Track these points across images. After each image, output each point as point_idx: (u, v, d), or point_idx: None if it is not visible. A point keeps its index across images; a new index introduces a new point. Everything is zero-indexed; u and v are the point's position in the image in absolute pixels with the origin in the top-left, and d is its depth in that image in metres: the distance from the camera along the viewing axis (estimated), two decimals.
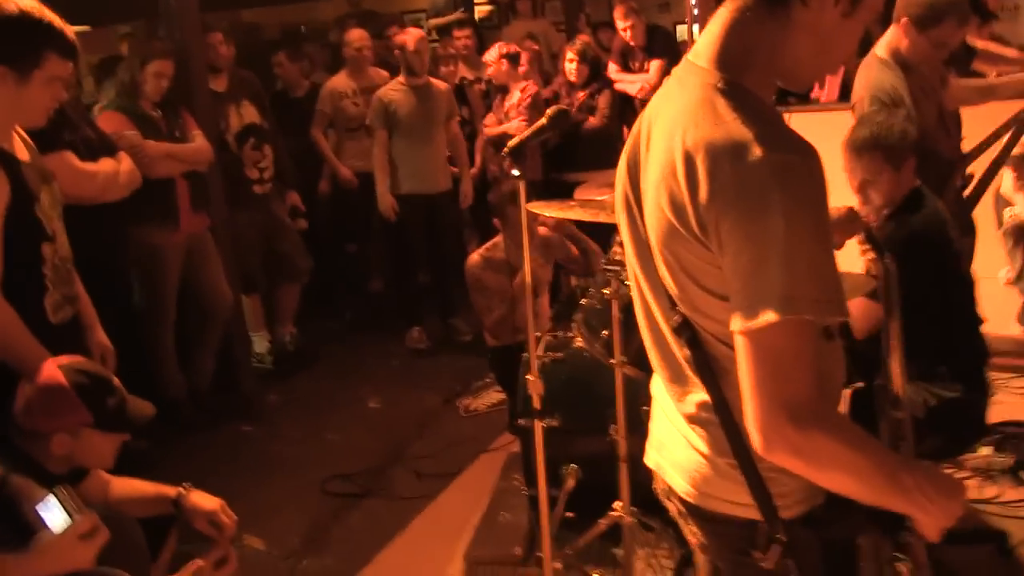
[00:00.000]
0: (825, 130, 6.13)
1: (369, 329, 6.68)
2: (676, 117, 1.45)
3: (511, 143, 2.44)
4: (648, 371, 3.17)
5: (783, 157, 1.34)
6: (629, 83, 6.62)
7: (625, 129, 6.73)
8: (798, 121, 5.41)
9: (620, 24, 6.66)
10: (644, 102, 6.46)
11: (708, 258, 1.41)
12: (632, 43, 6.73)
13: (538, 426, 2.70)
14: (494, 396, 5.28)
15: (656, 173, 1.47)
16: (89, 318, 3.06)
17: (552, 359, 3.54)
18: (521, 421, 3.40)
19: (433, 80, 6.13)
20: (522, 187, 2.45)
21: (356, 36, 6.58)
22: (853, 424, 1.42)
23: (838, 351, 1.59)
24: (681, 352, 1.56)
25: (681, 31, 8.48)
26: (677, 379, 1.60)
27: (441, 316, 6.36)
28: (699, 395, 1.55)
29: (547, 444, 3.37)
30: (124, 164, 4.20)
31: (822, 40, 1.46)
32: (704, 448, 1.56)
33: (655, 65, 6.66)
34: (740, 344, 1.36)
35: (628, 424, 3.01)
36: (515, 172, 2.42)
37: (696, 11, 6.71)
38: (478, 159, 6.66)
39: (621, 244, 3.13)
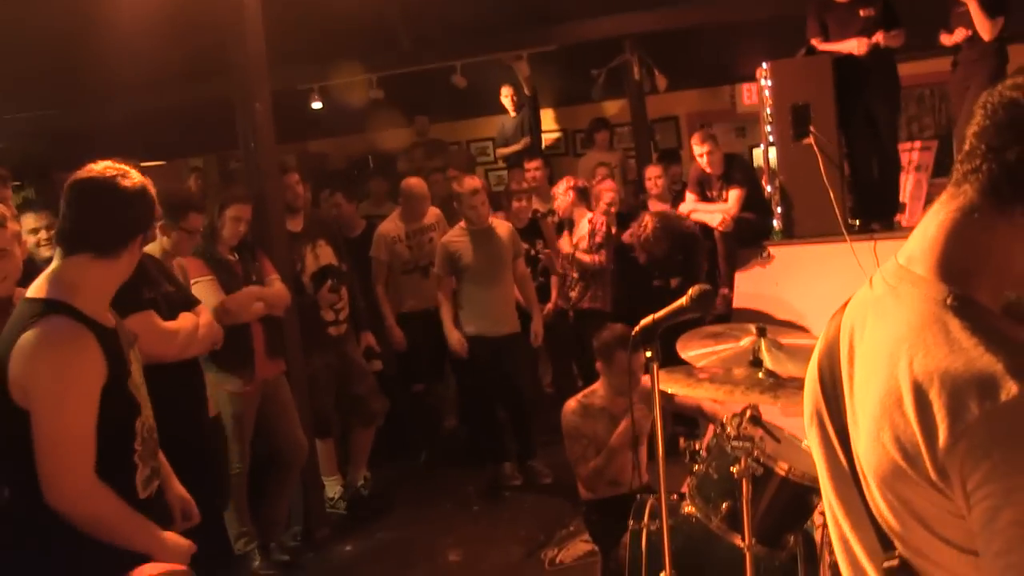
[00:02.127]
0: None
1: (444, 470, 6.47)
2: (898, 337, 1.26)
3: (644, 322, 2.25)
4: (772, 546, 2.97)
5: None
6: (707, 213, 6.47)
7: (720, 262, 6.60)
8: (883, 248, 5.25)
9: (697, 150, 6.55)
10: (724, 234, 6.37)
11: (947, 506, 1.20)
12: (709, 171, 6.60)
13: None
14: (581, 547, 5.00)
15: (874, 402, 1.27)
16: (165, 470, 2.89)
17: (658, 527, 3.29)
18: None
19: (496, 221, 6.06)
20: (655, 368, 2.24)
21: (415, 185, 6.50)
22: None
23: None
24: None
25: (757, 155, 8.42)
26: None
27: (519, 458, 6.13)
28: None
29: None
30: (203, 318, 4.09)
31: None
32: None
33: (734, 195, 6.53)
34: None
35: None
36: (648, 354, 2.21)
37: (771, 136, 6.62)
38: (554, 293, 6.53)
39: (751, 419, 2.94)
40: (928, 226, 1.32)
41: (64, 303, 2.44)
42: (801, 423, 3.27)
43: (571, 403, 4.44)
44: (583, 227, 6.45)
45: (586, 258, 6.37)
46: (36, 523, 2.44)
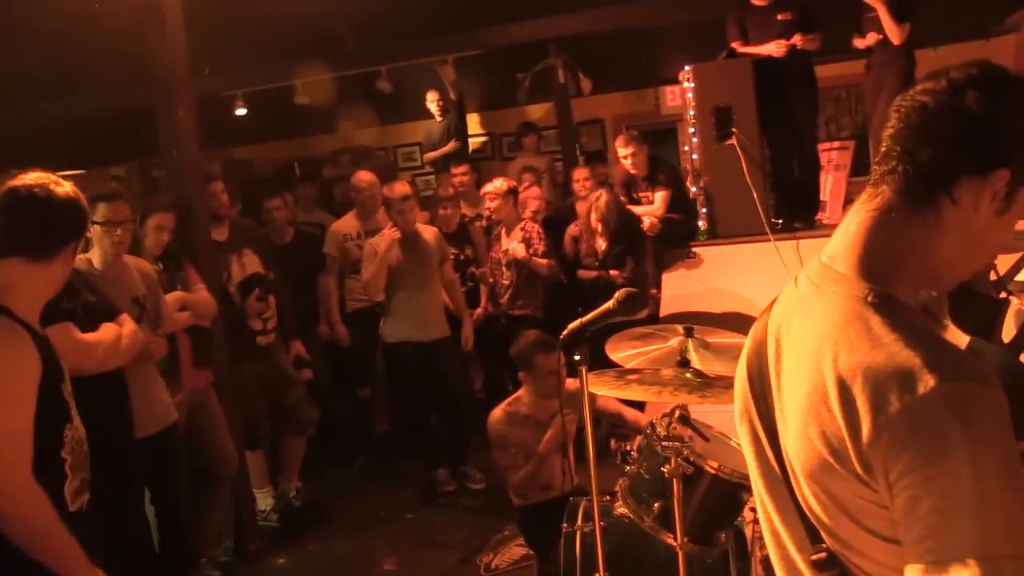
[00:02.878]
0: None
1: (379, 477, 6.43)
2: (822, 334, 1.30)
3: (570, 327, 2.27)
4: (704, 543, 3.01)
5: (959, 387, 1.18)
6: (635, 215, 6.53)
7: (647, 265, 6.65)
8: (806, 247, 5.35)
9: (622, 152, 6.61)
10: (651, 238, 6.44)
11: (872, 498, 1.24)
12: (634, 172, 6.67)
13: None
14: (516, 551, 5.02)
15: (801, 399, 1.31)
16: None
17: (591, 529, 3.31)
18: None
19: (421, 227, 6.04)
20: (584, 372, 2.26)
21: (365, 180, 6.50)
22: None
23: None
24: None
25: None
26: None
27: (452, 464, 6.12)
28: None
29: None
30: (126, 327, 3.99)
31: (972, 240, 1.33)
32: None
33: (660, 196, 6.60)
34: None
35: None
36: (576, 357, 2.23)
37: (695, 139, 6.72)
38: (483, 299, 6.53)
39: (680, 419, 2.97)
40: (849, 226, 1.37)
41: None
42: (730, 420, 3.33)
43: (496, 412, 4.44)
44: (516, 234, 6.45)
45: (542, 262, 6.38)
46: None
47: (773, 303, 1.50)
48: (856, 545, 1.31)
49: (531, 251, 6.37)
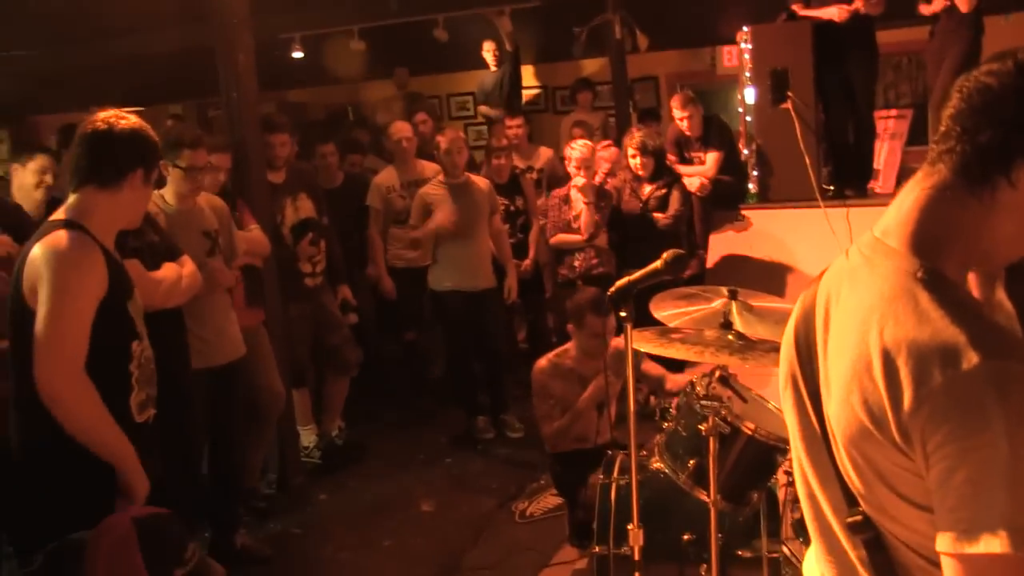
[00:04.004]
0: None
1: (423, 423, 6.56)
2: (870, 306, 1.34)
3: (617, 284, 2.32)
4: (736, 502, 3.08)
5: (1002, 364, 1.21)
6: (686, 176, 6.51)
7: (696, 223, 6.63)
8: (856, 215, 5.33)
9: (677, 114, 6.59)
10: (701, 196, 6.43)
11: (908, 466, 1.29)
12: (688, 133, 6.65)
13: None
14: (550, 500, 5.11)
15: (845, 367, 1.35)
16: None
17: (627, 482, 3.40)
18: (597, 548, 3.28)
19: (473, 177, 6.08)
20: (629, 329, 2.31)
21: (397, 129, 6.57)
22: None
23: None
24: (855, 552, 1.43)
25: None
26: (845, 572, 1.47)
27: (492, 412, 6.23)
28: None
29: (619, 569, 3.25)
30: (186, 268, 4.11)
31: None
32: None
33: (712, 157, 6.59)
34: (950, 567, 1.24)
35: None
36: (622, 314, 2.28)
37: (750, 102, 6.68)
38: (531, 251, 6.58)
39: (720, 380, 3.03)
40: (904, 201, 1.40)
41: (77, 223, 2.78)
42: (769, 383, 3.38)
43: (542, 362, 4.51)
44: (578, 205, 6.20)
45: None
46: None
47: (824, 273, 1.53)
48: (890, 510, 1.35)
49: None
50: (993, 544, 1.18)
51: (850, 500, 1.41)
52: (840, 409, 1.37)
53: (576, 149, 6.12)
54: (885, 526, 1.37)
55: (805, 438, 1.50)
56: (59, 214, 2.86)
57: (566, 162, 6.26)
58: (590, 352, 4.32)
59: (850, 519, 1.40)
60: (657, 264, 2.37)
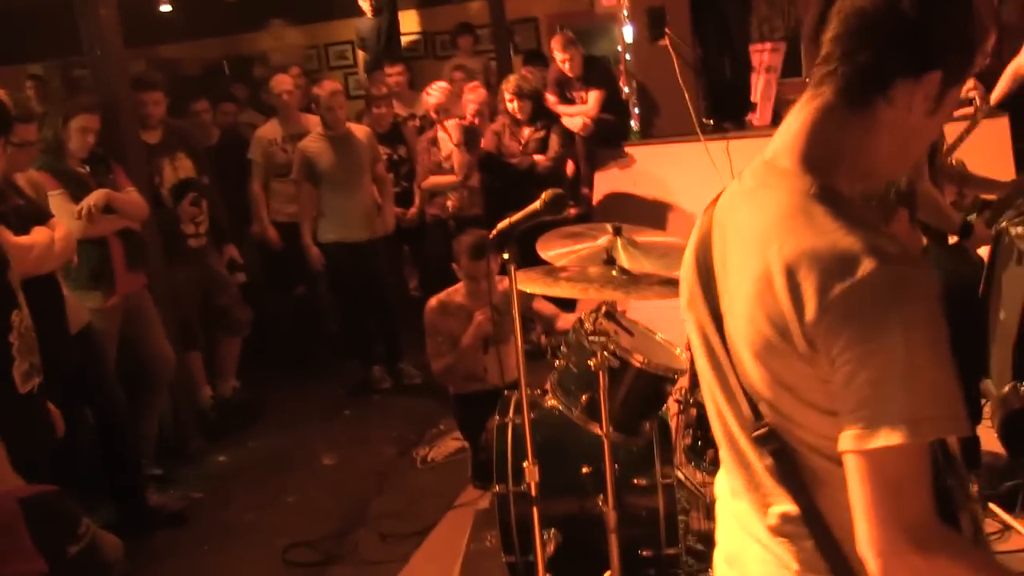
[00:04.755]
0: (758, 154, 6.26)
1: (319, 376, 6.53)
2: (768, 225, 1.39)
3: (499, 226, 2.33)
4: (630, 433, 3.16)
5: (896, 269, 1.28)
6: (568, 116, 6.55)
7: (572, 164, 6.68)
8: (736, 147, 5.47)
9: (558, 56, 6.60)
10: (584, 138, 6.48)
11: (813, 374, 1.35)
12: (570, 74, 6.67)
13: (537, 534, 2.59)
14: (451, 444, 5.17)
15: (747, 286, 1.40)
16: None
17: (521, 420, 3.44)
18: (497, 488, 3.33)
19: (353, 127, 6.02)
20: (513, 271, 2.33)
21: (278, 82, 6.48)
22: (974, 547, 1.41)
23: None
24: (762, 461, 1.49)
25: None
26: (755, 488, 1.53)
27: (388, 361, 6.22)
28: (784, 506, 1.48)
29: (518, 506, 3.32)
30: (59, 231, 3.96)
31: (904, 139, 1.42)
32: (792, 563, 1.49)
33: (594, 96, 6.62)
34: (853, 464, 1.31)
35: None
36: (505, 256, 2.30)
37: (628, 39, 6.74)
38: (417, 199, 6.54)
39: (606, 315, 3.08)
40: (791, 124, 1.44)
41: None
42: (657, 315, 3.46)
43: (432, 301, 4.52)
44: (446, 147, 6.33)
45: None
46: None
47: (718, 198, 1.57)
48: (797, 418, 1.41)
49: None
50: (892, 437, 1.25)
51: (756, 414, 1.47)
52: (745, 326, 1.42)
53: (432, 95, 6.20)
54: (793, 433, 1.43)
55: (710, 358, 1.55)
56: None
57: (425, 106, 6.27)
58: (474, 293, 4.35)
59: (756, 432, 1.46)
60: (536, 205, 2.38)
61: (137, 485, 4.60)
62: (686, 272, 1.59)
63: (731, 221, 1.49)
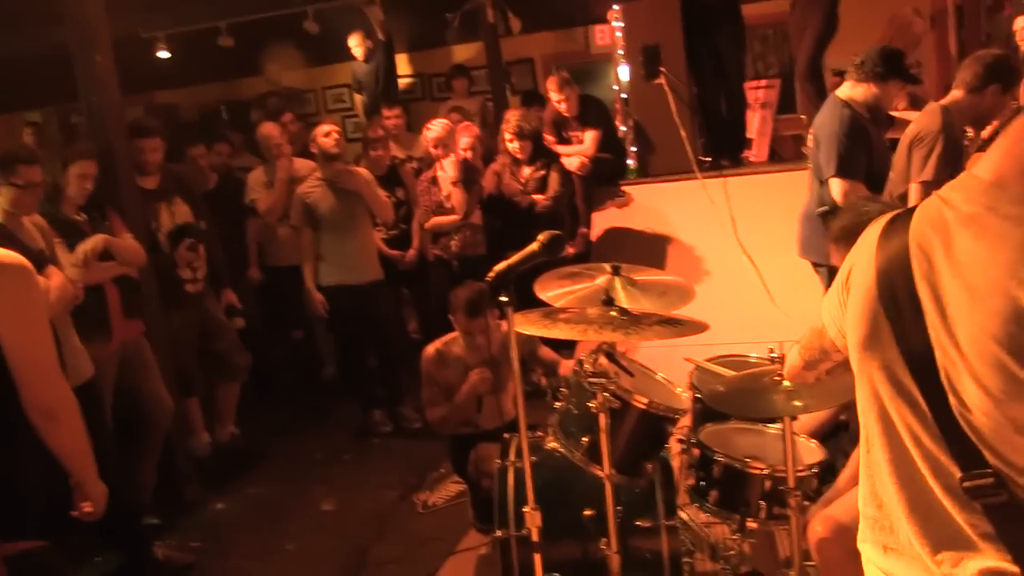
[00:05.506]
0: (758, 191, 6.25)
1: (318, 421, 6.48)
2: (1014, 258, 1.32)
3: (496, 269, 2.31)
4: (632, 474, 3.11)
5: None
6: (565, 156, 6.55)
7: (578, 202, 6.62)
8: (733, 184, 5.48)
9: (554, 96, 6.62)
10: (582, 177, 6.46)
11: None
12: (566, 114, 6.69)
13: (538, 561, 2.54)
14: (452, 488, 5.11)
15: (991, 320, 1.32)
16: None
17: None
18: (499, 532, 3.28)
19: (352, 168, 6.02)
20: (510, 313, 2.31)
21: (266, 132, 6.49)
22: None
23: None
24: (962, 514, 1.38)
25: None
26: (950, 544, 1.41)
27: (388, 405, 6.18)
28: (989, 562, 1.37)
29: (520, 551, 3.26)
30: (54, 279, 3.94)
31: None
32: None
33: (590, 136, 6.64)
34: None
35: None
36: (502, 299, 2.28)
37: (624, 79, 6.77)
38: (415, 240, 6.53)
39: (607, 356, 3.05)
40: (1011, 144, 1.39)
41: None
42: (656, 355, 3.41)
43: (430, 349, 4.49)
44: (445, 188, 6.31)
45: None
46: None
47: (888, 225, 1.49)
48: None
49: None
50: None
51: (976, 461, 1.36)
52: (989, 370, 1.33)
53: (431, 130, 6.21)
54: (1019, 483, 1.32)
55: (898, 398, 1.45)
56: None
57: (424, 144, 6.28)
58: (471, 346, 4.33)
59: (973, 482, 1.35)
60: (534, 246, 2.37)
61: (140, 537, 4.54)
62: (863, 309, 1.49)
63: (947, 248, 1.39)
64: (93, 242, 4.49)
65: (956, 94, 4.38)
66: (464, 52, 9.94)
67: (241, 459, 5.83)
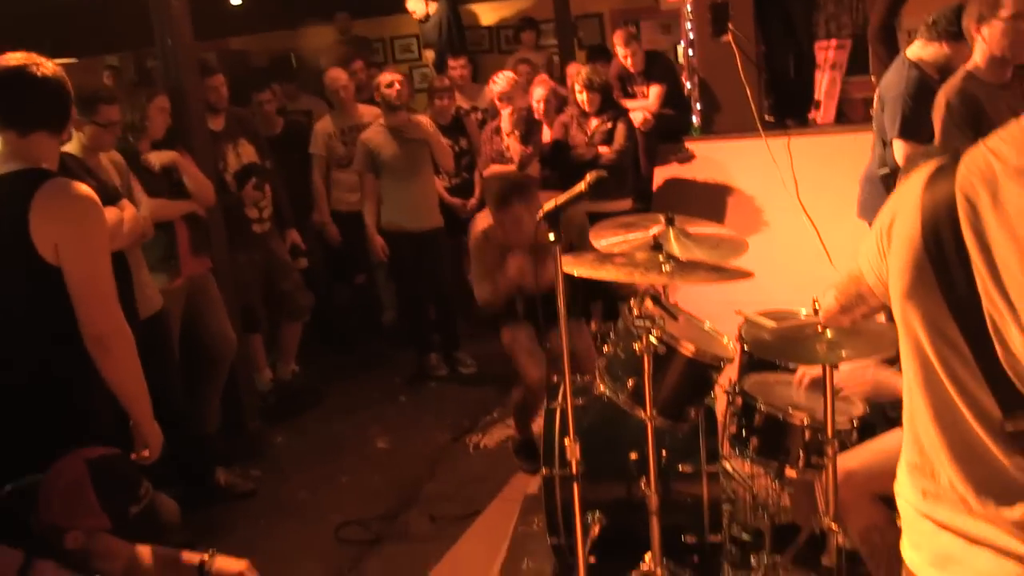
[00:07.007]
0: (823, 152, 6.19)
1: (376, 364, 6.62)
2: None
3: (547, 207, 2.38)
4: (675, 419, 3.17)
5: None
6: (630, 111, 6.54)
7: (641, 157, 6.63)
8: (797, 144, 5.43)
9: (620, 51, 6.62)
10: (645, 133, 6.46)
11: None
12: (632, 70, 6.68)
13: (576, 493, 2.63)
14: (503, 432, 5.24)
15: None
16: None
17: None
18: (544, 470, 3.38)
19: (415, 117, 6.10)
20: (558, 252, 2.38)
21: (334, 77, 6.58)
22: None
23: None
24: (1010, 459, 1.41)
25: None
26: (995, 486, 1.44)
27: (444, 350, 6.30)
28: None
29: (564, 488, 3.36)
30: (127, 212, 4.09)
31: None
32: None
33: (655, 91, 6.63)
34: None
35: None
36: (551, 237, 2.35)
37: (692, 34, 6.72)
38: (477, 190, 6.60)
39: (653, 299, 3.11)
40: None
41: (50, 171, 2.84)
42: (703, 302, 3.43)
43: (477, 229, 4.63)
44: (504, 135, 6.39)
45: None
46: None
47: (932, 176, 1.49)
48: None
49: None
50: None
51: (1017, 399, 1.37)
52: None
53: (497, 83, 6.25)
54: None
55: (941, 347, 1.46)
56: (15, 162, 2.80)
57: (489, 96, 6.29)
58: (508, 234, 4.41)
59: (1011, 421, 1.38)
60: (580, 186, 2.43)
61: (204, 463, 4.74)
62: (907, 258, 1.49)
63: (994, 199, 1.39)
64: (168, 156, 4.65)
65: None
66: (534, 5, 9.91)
67: (301, 396, 5.99)
